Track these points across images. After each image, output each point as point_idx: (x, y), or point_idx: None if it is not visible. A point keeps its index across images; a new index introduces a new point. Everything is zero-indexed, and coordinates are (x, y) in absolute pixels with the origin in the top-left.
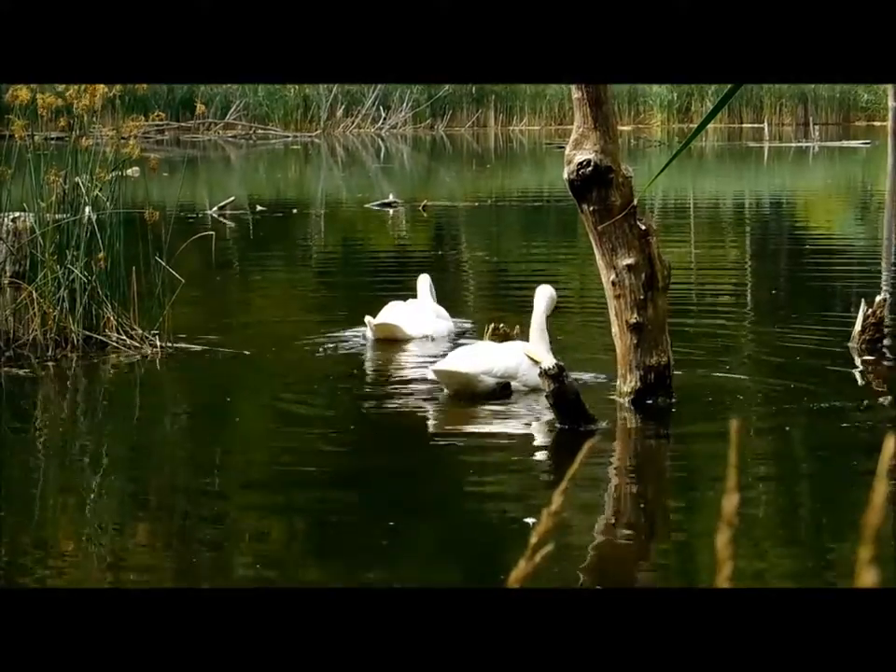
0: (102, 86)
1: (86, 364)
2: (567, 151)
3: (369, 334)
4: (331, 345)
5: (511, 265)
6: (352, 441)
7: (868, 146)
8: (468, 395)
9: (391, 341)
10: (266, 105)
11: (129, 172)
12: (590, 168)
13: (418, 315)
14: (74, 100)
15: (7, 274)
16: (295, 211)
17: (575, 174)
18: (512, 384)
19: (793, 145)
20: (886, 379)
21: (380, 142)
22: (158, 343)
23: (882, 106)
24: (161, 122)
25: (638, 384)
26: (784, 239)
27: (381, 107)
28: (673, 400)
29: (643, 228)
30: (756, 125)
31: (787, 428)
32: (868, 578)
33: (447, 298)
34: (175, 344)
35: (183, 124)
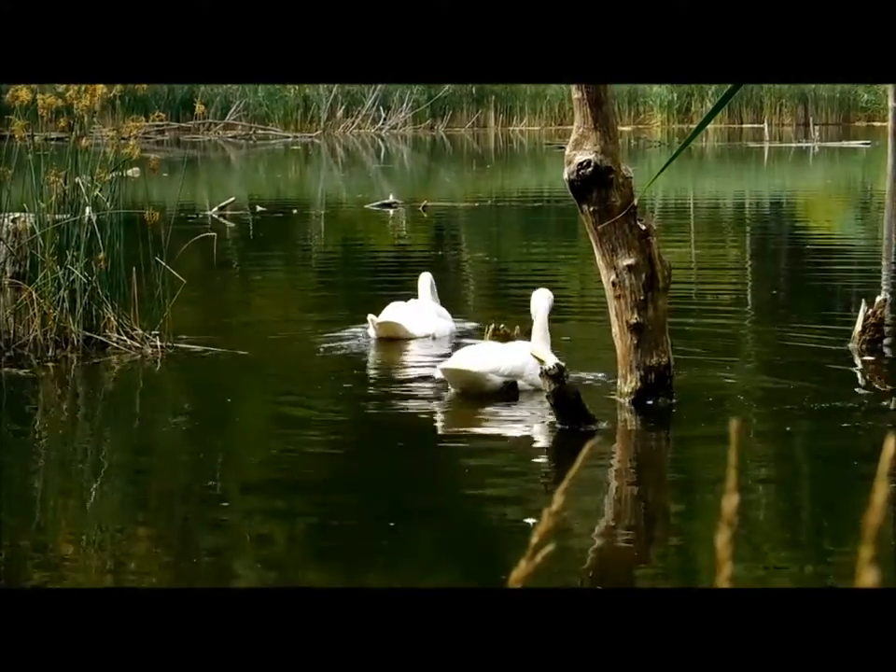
0: (102, 86)
1: (86, 365)
2: (567, 151)
3: (371, 333)
4: (332, 345)
5: (511, 265)
6: (352, 443)
7: (868, 146)
8: (475, 394)
9: (393, 340)
10: (266, 105)
11: (129, 172)
12: (590, 168)
13: (420, 314)
14: (74, 100)
15: (8, 275)
16: (295, 211)
17: (575, 174)
18: (518, 383)
19: (793, 145)
20: (886, 379)
21: (380, 142)
22: (158, 344)
23: (882, 107)
24: (161, 123)
25: (639, 384)
26: (784, 239)
27: (381, 108)
28: (673, 401)
29: (643, 228)
30: (756, 125)
31: (787, 429)
32: (868, 578)
33: (447, 298)
34: (175, 345)
35: (183, 124)
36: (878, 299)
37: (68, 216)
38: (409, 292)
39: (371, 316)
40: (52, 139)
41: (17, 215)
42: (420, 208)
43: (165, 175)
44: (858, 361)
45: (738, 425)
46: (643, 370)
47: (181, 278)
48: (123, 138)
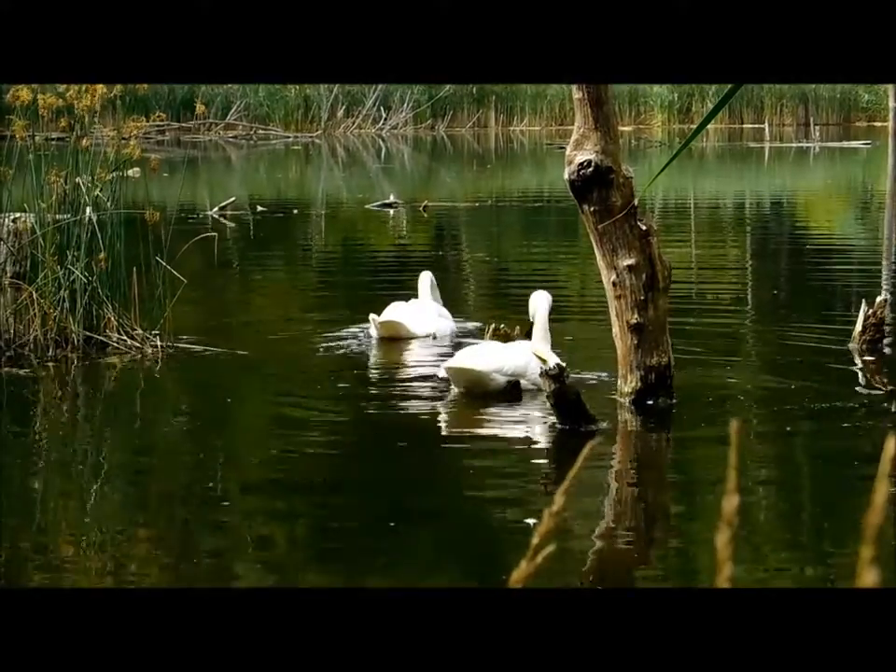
0: (102, 86)
1: (86, 364)
2: (567, 152)
3: (373, 332)
4: (332, 345)
5: (511, 265)
6: (353, 443)
7: (868, 146)
8: (478, 393)
9: (394, 339)
10: (267, 105)
11: (129, 172)
12: (590, 168)
13: (421, 313)
14: (74, 100)
15: (8, 275)
16: (296, 211)
17: (576, 174)
18: (521, 382)
19: (794, 145)
20: (887, 379)
21: (380, 142)
22: (158, 344)
23: (882, 107)
24: (161, 123)
25: (639, 384)
26: (784, 239)
27: (381, 108)
28: (674, 401)
29: (644, 228)
30: (757, 125)
31: (787, 429)
32: (869, 578)
33: (447, 298)
34: (175, 345)
35: (184, 125)
36: (878, 299)
37: (69, 216)
38: (409, 292)
39: (372, 316)
40: (53, 139)
41: (17, 215)
42: (420, 208)
43: (166, 175)
44: (858, 361)
45: (739, 425)
46: (643, 370)
47: (181, 278)
48: (124, 138)
